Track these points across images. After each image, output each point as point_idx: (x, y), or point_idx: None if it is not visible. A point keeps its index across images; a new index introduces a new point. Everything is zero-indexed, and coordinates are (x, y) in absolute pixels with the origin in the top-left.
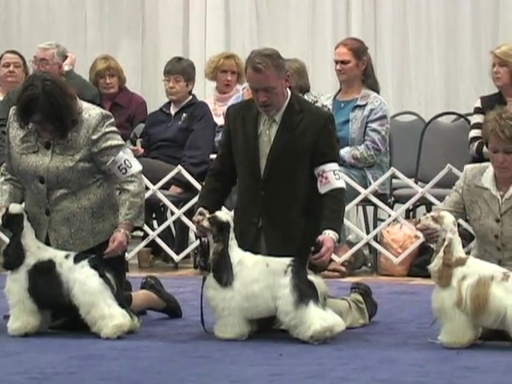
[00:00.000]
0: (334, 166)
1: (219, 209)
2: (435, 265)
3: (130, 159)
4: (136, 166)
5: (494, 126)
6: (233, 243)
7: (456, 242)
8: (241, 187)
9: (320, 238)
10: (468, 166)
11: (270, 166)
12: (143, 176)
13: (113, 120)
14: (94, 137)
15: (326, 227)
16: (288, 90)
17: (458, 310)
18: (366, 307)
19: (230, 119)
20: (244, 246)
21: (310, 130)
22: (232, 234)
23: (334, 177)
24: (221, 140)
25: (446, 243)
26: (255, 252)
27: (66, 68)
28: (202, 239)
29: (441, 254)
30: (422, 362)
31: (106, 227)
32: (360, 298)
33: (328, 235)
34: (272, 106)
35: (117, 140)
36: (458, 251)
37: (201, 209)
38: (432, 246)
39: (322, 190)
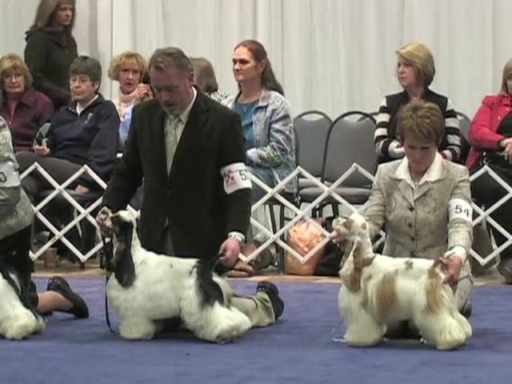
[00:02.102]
0: (240, 165)
1: (124, 208)
2: (346, 269)
3: (6, 173)
4: (11, 183)
5: (411, 125)
6: (136, 243)
7: (365, 244)
8: (147, 187)
9: (224, 243)
10: (381, 165)
11: (176, 165)
12: (49, 176)
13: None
14: None
15: (232, 229)
16: (194, 89)
17: (363, 310)
18: (273, 306)
19: (137, 119)
20: (150, 246)
21: (216, 130)
22: (135, 234)
23: (240, 177)
24: (127, 139)
25: (354, 247)
26: (162, 252)
27: None
28: (107, 239)
29: (350, 258)
30: (328, 361)
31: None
32: (266, 296)
33: (234, 237)
34: (175, 105)
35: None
36: (367, 253)
37: (104, 208)
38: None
39: (228, 190)
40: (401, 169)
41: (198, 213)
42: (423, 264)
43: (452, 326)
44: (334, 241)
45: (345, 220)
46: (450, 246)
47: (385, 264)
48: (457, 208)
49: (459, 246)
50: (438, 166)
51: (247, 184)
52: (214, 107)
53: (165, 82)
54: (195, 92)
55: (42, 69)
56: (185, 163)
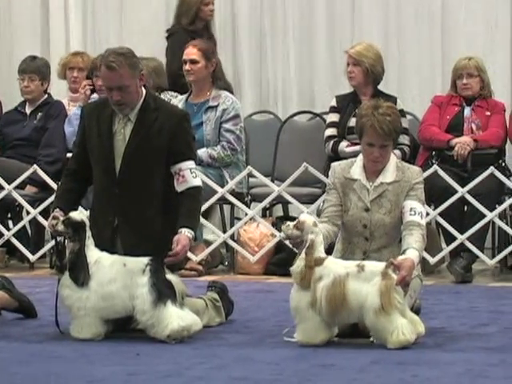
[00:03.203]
0: (190, 164)
1: (76, 209)
2: (297, 266)
3: None
4: None
5: (372, 122)
6: (89, 242)
7: (317, 242)
8: (96, 186)
9: (176, 237)
10: (335, 163)
11: (125, 165)
12: None
13: None
14: None
15: (182, 225)
16: (143, 88)
17: (311, 311)
18: (223, 306)
19: (86, 118)
20: (101, 246)
21: (165, 129)
22: (89, 233)
23: (190, 175)
24: (76, 139)
25: (306, 244)
26: (112, 252)
27: None
28: (58, 239)
29: (302, 255)
30: (278, 360)
31: None
32: (216, 296)
33: (184, 233)
34: (126, 105)
35: None
36: (319, 251)
37: (55, 212)
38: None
39: (179, 188)
40: (356, 169)
41: (148, 212)
42: (375, 266)
43: (404, 326)
44: (289, 244)
45: (294, 223)
46: (403, 248)
47: (336, 266)
48: (411, 210)
49: (412, 248)
50: (393, 166)
51: (198, 182)
52: (163, 106)
53: (116, 81)
54: (144, 91)
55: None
56: (134, 162)
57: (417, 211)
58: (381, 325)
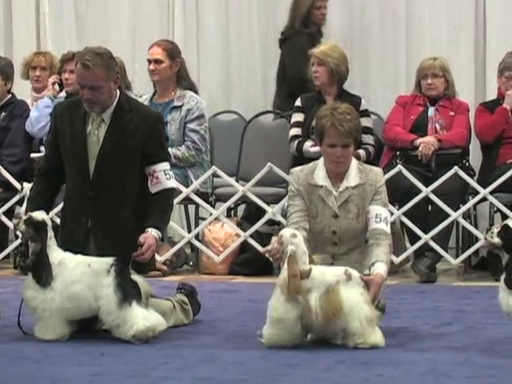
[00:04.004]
0: (164, 165)
1: (50, 209)
2: (282, 277)
3: None
4: None
5: (332, 121)
6: (52, 243)
7: (299, 253)
8: (69, 187)
9: (142, 235)
10: (296, 169)
11: (99, 166)
12: None
13: None
14: None
15: (150, 225)
16: (117, 89)
17: (299, 324)
18: (191, 308)
19: (58, 118)
20: (73, 247)
21: (139, 130)
22: (51, 233)
23: (164, 177)
24: (47, 139)
25: (288, 255)
26: (85, 253)
27: None
28: (22, 239)
29: (285, 265)
30: (243, 360)
31: None
32: (185, 298)
33: (150, 233)
34: (96, 104)
35: None
36: (303, 262)
37: (16, 212)
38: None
39: (153, 189)
40: (319, 174)
41: (121, 213)
42: (358, 276)
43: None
44: (273, 260)
45: (279, 239)
46: (371, 261)
47: (324, 276)
48: (376, 217)
49: (381, 262)
50: (355, 170)
51: (172, 184)
52: (137, 107)
53: (90, 81)
54: (118, 92)
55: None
56: (108, 164)
57: (382, 217)
58: (367, 334)
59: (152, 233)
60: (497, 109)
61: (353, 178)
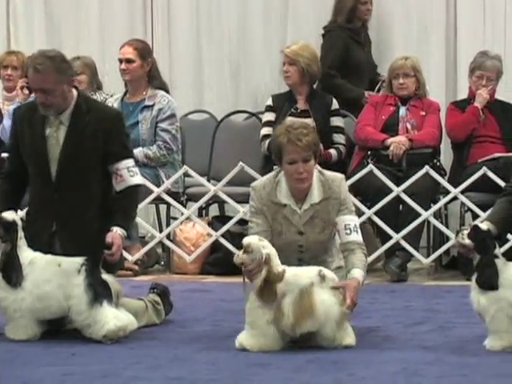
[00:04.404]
0: (128, 162)
1: (16, 210)
2: (258, 282)
3: None
4: None
5: (288, 137)
6: (22, 243)
7: (272, 255)
8: (32, 190)
9: (109, 236)
10: (257, 185)
11: (61, 169)
12: None
13: None
14: None
15: (115, 224)
16: (74, 90)
17: (273, 327)
18: (164, 308)
19: (17, 122)
20: (38, 249)
21: (99, 130)
22: (21, 234)
23: (128, 174)
24: (9, 142)
25: (264, 259)
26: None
27: None
28: None
29: (264, 271)
30: (214, 360)
31: None
32: (158, 298)
33: (116, 232)
34: (50, 107)
35: None
36: (276, 264)
37: None
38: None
39: (118, 187)
40: (282, 191)
41: (86, 214)
42: (334, 277)
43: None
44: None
45: (246, 249)
46: (348, 268)
47: (298, 278)
48: (346, 228)
49: (357, 268)
50: (318, 184)
51: (136, 180)
52: (96, 107)
53: (41, 84)
54: (75, 93)
55: (338, 67)
56: (70, 166)
57: (351, 227)
58: (338, 337)
59: (118, 232)
60: (468, 107)
61: (316, 193)
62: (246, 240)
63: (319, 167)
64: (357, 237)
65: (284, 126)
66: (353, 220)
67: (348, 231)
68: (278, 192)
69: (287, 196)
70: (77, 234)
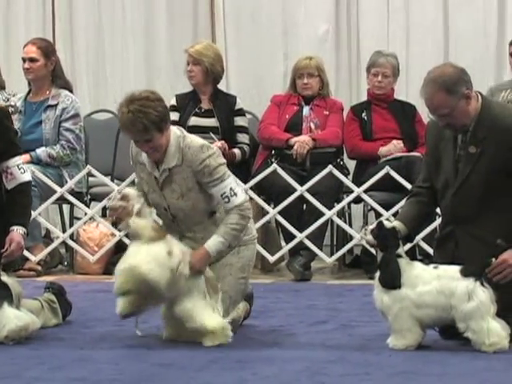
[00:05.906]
0: (16, 160)
1: None
2: (123, 225)
3: None
4: None
5: (125, 121)
6: None
7: (144, 209)
8: None
9: (8, 236)
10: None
11: None
12: None
13: None
14: None
15: (13, 223)
16: None
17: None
18: (60, 307)
19: None
20: None
21: None
22: None
23: (18, 171)
24: None
25: (135, 211)
26: None
27: None
28: None
29: (132, 219)
30: (118, 360)
31: None
32: (53, 297)
33: (16, 231)
34: None
35: None
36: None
37: None
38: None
39: (9, 185)
40: (144, 154)
41: None
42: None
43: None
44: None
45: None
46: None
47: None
48: (223, 197)
49: (215, 236)
50: (174, 149)
51: (27, 177)
52: None
53: None
54: None
55: None
56: None
57: (228, 194)
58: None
59: (18, 231)
60: (370, 144)
61: (171, 158)
62: (126, 190)
63: (185, 132)
64: (235, 199)
65: (125, 102)
66: (226, 186)
67: (226, 199)
68: (143, 152)
69: (146, 158)
70: None
